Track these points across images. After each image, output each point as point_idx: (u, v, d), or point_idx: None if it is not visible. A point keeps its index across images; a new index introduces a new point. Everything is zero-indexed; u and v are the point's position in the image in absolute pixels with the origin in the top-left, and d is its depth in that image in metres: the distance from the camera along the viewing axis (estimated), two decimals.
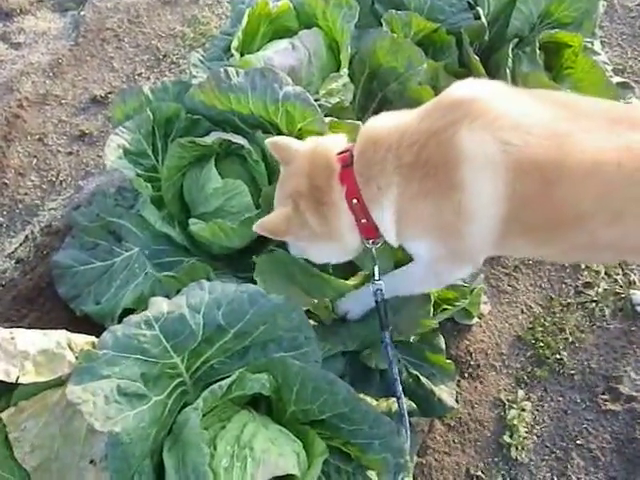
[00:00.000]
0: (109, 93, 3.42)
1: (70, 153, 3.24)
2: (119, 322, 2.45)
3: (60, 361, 1.87)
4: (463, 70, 2.83)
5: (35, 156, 3.22)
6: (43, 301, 2.68)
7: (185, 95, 2.45)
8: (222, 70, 2.33)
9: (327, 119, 2.32)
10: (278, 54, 2.57)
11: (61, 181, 3.15)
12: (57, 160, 3.21)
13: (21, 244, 2.95)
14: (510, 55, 2.71)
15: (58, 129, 3.31)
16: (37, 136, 3.27)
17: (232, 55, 2.72)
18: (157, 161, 2.50)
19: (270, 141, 2.11)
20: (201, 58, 2.68)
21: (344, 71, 2.55)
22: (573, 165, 1.76)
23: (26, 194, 3.10)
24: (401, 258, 2.26)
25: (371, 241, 2.04)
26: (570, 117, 1.83)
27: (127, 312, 2.50)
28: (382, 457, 1.97)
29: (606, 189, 1.79)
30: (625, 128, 1.81)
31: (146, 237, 2.46)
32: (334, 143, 2.03)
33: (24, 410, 1.86)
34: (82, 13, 3.69)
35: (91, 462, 1.83)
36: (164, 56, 3.57)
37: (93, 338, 2.00)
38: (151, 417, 1.83)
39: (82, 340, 1.97)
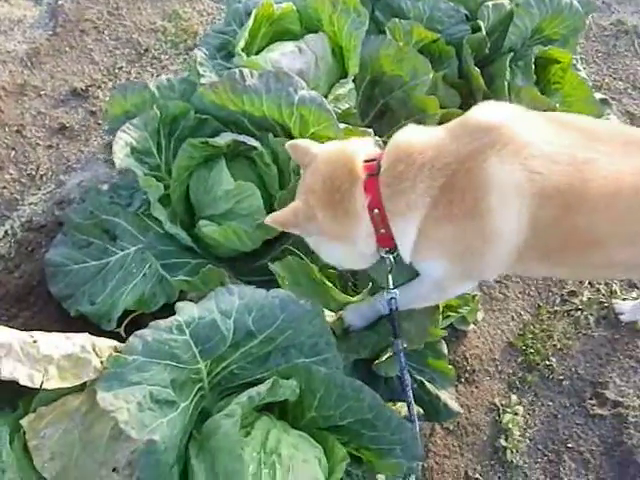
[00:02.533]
0: (89, 86, 3.31)
1: (50, 146, 3.12)
2: (118, 324, 2.46)
3: (85, 366, 1.80)
4: (462, 81, 2.88)
5: (13, 148, 3.09)
6: (34, 300, 2.58)
7: (194, 94, 2.41)
8: (237, 71, 2.29)
9: (342, 126, 2.32)
10: (285, 57, 2.55)
11: (41, 175, 3.03)
12: (36, 153, 3.09)
13: (0, 239, 2.82)
14: (508, 69, 2.77)
15: (37, 121, 3.18)
16: (15, 127, 3.14)
17: (232, 55, 2.70)
18: (161, 160, 2.44)
19: (291, 144, 2.10)
20: (205, 56, 2.62)
21: (351, 77, 2.55)
22: (594, 191, 1.82)
23: (4, 188, 2.97)
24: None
25: (386, 250, 2.06)
26: (587, 142, 1.89)
27: (126, 313, 2.46)
28: (398, 462, 2.00)
29: (624, 213, 1.86)
30: (638, 150, 1.89)
31: (151, 237, 2.40)
32: (361, 148, 2.02)
33: (44, 417, 1.80)
34: (59, 2, 3.54)
35: (114, 470, 1.78)
36: (145, 50, 3.48)
37: (116, 343, 1.93)
38: (180, 424, 1.80)
39: (106, 344, 1.91)
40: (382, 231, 1.96)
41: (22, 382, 1.67)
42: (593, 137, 1.91)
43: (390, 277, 2.14)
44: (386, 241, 2.00)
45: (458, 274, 2.04)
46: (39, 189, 2.99)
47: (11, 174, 3.01)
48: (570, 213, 1.84)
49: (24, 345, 1.76)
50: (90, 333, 2.44)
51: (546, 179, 1.80)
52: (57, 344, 1.81)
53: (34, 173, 3.04)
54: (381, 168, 1.93)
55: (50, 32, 3.46)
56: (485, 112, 1.95)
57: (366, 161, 1.97)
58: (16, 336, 1.79)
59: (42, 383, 1.71)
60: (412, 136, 1.96)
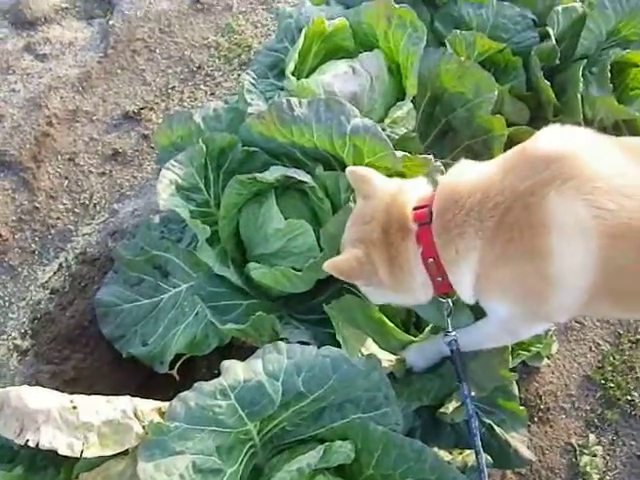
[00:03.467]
0: (142, 108, 3.24)
1: (103, 174, 3.07)
2: (170, 367, 2.38)
3: (126, 432, 1.72)
4: (530, 94, 2.68)
5: (66, 177, 3.05)
6: (86, 341, 2.53)
7: (241, 125, 2.29)
8: (285, 101, 2.16)
9: (399, 154, 2.16)
10: (338, 79, 2.40)
11: (94, 204, 2.99)
12: (89, 181, 3.04)
13: (55, 272, 2.80)
14: (581, 78, 2.55)
15: (89, 148, 3.13)
16: (68, 156, 3.10)
17: (283, 76, 2.56)
18: (209, 195, 2.33)
19: (351, 170, 2.00)
20: (253, 82, 2.50)
21: (409, 98, 2.38)
22: None
23: (58, 218, 2.94)
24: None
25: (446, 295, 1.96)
26: None
27: (178, 356, 2.38)
28: None
29: None
30: None
31: (200, 278, 2.30)
32: (413, 193, 1.90)
33: None
34: (110, 22, 3.48)
35: None
36: (198, 67, 3.38)
37: (160, 403, 1.85)
38: None
39: (149, 407, 1.82)
40: (439, 279, 1.85)
41: (61, 452, 1.62)
42: None
43: (449, 320, 2.02)
44: (444, 288, 1.89)
45: (524, 315, 1.89)
46: (93, 219, 2.94)
47: (65, 204, 2.98)
48: None
49: (63, 411, 1.70)
50: (142, 375, 2.43)
51: (616, 216, 1.61)
52: (97, 409, 1.74)
53: (87, 202, 2.99)
54: (432, 215, 1.81)
55: (101, 54, 3.40)
56: (548, 140, 1.77)
57: (416, 208, 1.85)
58: (56, 400, 1.73)
59: (82, 452, 1.64)
60: (460, 177, 1.83)
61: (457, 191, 1.78)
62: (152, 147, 3.13)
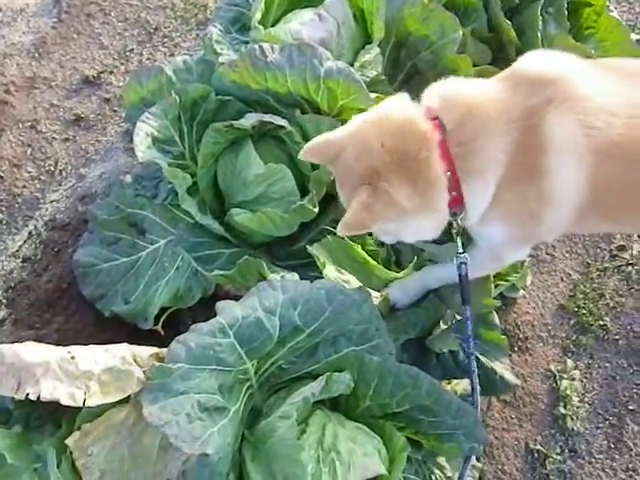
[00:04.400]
0: (101, 72, 3.19)
1: (67, 139, 3.02)
2: (155, 322, 2.38)
3: (128, 379, 1.73)
4: (492, 35, 2.72)
5: (29, 145, 2.99)
6: (66, 303, 2.50)
7: (213, 75, 2.28)
8: (257, 47, 2.16)
9: (372, 95, 2.18)
10: (305, 26, 2.40)
11: (60, 170, 2.94)
12: (53, 148, 2.99)
13: (25, 241, 2.75)
14: (540, 17, 2.61)
15: (51, 114, 3.07)
16: (29, 123, 3.04)
17: (247, 27, 2.56)
18: (184, 147, 2.33)
19: (306, 149, 1.82)
20: (220, 33, 2.49)
21: (376, 42, 2.41)
22: None
23: (24, 187, 2.89)
24: None
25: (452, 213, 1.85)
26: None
27: (163, 309, 2.38)
28: (459, 445, 1.92)
29: None
30: None
31: (181, 229, 2.30)
32: (407, 107, 1.80)
33: (89, 433, 1.73)
34: None
35: None
36: (155, 29, 3.34)
37: (157, 350, 1.86)
38: (232, 430, 1.73)
39: (147, 353, 1.83)
40: (453, 193, 1.76)
41: (64, 402, 1.61)
42: None
43: (459, 240, 1.93)
44: (456, 204, 1.79)
45: (516, 238, 1.92)
46: (60, 185, 2.90)
47: (29, 172, 2.92)
48: (632, 168, 1.74)
49: (62, 362, 1.69)
50: (127, 332, 2.42)
51: (604, 134, 1.69)
52: (96, 358, 1.74)
53: (53, 169, 2.95)
54: (446, 126, 1.74)
55: (55, 19, 3.32)
56: (539, 63, 1.82)
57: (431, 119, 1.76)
58: (53, 353, 1.72)
59: (84, 401, 1.64)
60: (467, 87, 1.81)
61: (472, 101, 1.75)
62: (115, 110, 3.09)
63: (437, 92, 1.82)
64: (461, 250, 1.94)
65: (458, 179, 1.74)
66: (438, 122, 1.74)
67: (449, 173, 1.72)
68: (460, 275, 1.96)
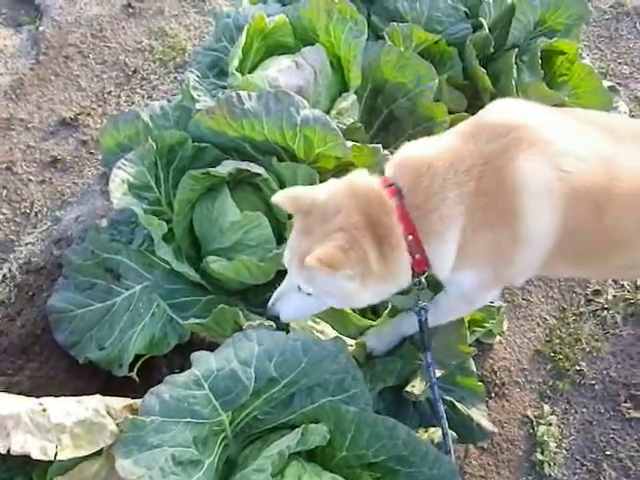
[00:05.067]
0: (79, 114, 3.19)
1: (43, 181, 3.01)
2: (130, 369, 2.35)
3: (100, 431, 1.69)
4: (467, 82, 2.76)
5: (4, 187, 2.98)
6: (39, 349, 2.46)
7: (190, 122, 2.29)
8: (234, 94, 2.18)
9: (349, 144, 2.20)
10: (282, 73, 2.42)
11: (36, 212, 2.93)
12: (29, 190, 2.98)
13: None
14: (514, 65, 2.65)
15: (27, 156, 3.06)
16: (5, 165, 3.03)
17: (225, 73, 2.58)
18: (160, 193, 2.32)
19: (280, 195, 1.82)
20: (197, 79, 2.50)
21: (353, 89, 2.43)
22: (622, 190, 1.75)
23: None
24: None
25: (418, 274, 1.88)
26: (611, 139, 1.82)
27: (138, 356, 2.35)
28: None
29: None
30: None
31: (156, 276, 2.28)
32: (369, 179, 1.82)
33: None
34: (40, 28, 3.42)
35: None
36: (134, 72, 3.36)
37: (131, 401, 1.83)
38: None
39: (120, 404, 1.80)
40: (417, 256, 1.78)
41: (34, 456, 1.57)
42: (615, 134, 1.84)
43: (419, 295, 1.95)
44: (420, 265, 1.81)
45: (488, 283, 1.93)
46: (35, 227, 2.88)
47: (4, 214, 2.90)
48: (600, 213, 1.77)
49: (33, 415, 1.66)
50: (100, 379, 2.39)
51: (576, 179, 1.72)
52: (68, 410, 1.71)
53: (28, 211, 2.93)
54: (402, 190, 1.76)
55: (33, 61, 3.33)
56: (501, 111, 1.85)
57: (386, 187, 1.78)
58: (24, 404, 1.69)
59: (56, 454, 1.61)
60: (418, 149, 1.83)
61: (422, 162, 1.76)
62: (92, 153, 3.09)
63: (393, 159, 1.86)
64: (421, 303, 1.96)
65: (420, 242, 1.76)
66: (394, 188, 1.75)
67: (410, 237, 1.74)
68: (420, 321, 1.98)
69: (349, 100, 2.43)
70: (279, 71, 2.44)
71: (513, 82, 2.67)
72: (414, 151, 1.84)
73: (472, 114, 2.46)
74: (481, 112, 1.89)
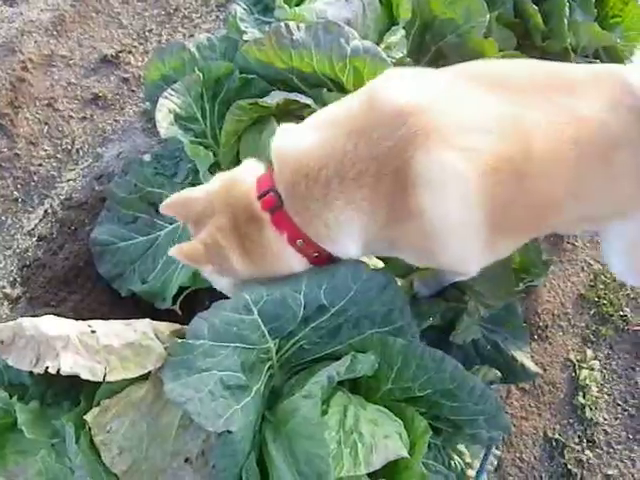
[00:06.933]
0: (120, 52, 3.16)
1: (84, 118, 2.99)
2: (173, 302, 2.36)
3: (148, 354, 1.69)
4: (517, 21, 2.68)
5: (46, 123, 2.96)
6: (82, 282, 2.48)
7: (237, 53, 2.26)
8: (283, 25, 2.13)
9: None
10: (331, 6, 2.37)
11: (77, 149, 2.91)
12: (70, 126, 2.96)
13: (41, 220, 2.73)
14: (566, 4, 2.57)
15: (68, 93, 3.04)
16: (46, 101, 3.01)
17: (270, 9, 2.53)
18: (206, 126, 2.30)
19: (166, 204, 1.77)
20: (244, 10, 2.46)
21: (402, 23, 2.37)
22: (539, 152, 1.60)
23: (40, 165, 2.86)
24: None
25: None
26: (510, 96, 1.64)
27: (181, 289, 2.36)
28: (480, 432, 1.90)
29: (570, 167, 1.66)
30: (561, 94, 1.66)
31: None
32: (249, 179, 1.73)
33: (108, 410, 1.70)
34: None
35: (186, 461, 1.69)
36: (175, 10, 3.31)
37: (179, 326, 1.83)
38: (254, 408, 1.71)
39: (168, 329, 1.80)
40: (315, 255, 1.72)
41: (83, 376, 1.58)
42: (513, 88, 1.66)
43: None
44: (323, 260, 1.75)
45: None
46: (76, 164, 2.87)
47: (46, 150, 2.90)
48: (520, 178, 1.61)
49: (82, 336, 1.66)
50: (143, 312, 2.38)
51: (486, 152, 1.56)
52: (117, 332, 1.71)
53: (70, 147, 2.92)
54: (281, 196, 1.65)
55: None
56: (392, 91, 1.63)
57: (261, 196, 1.67)
58: (73, 327, 1.69)
59: (105, 376, 1.61)
60: (298, 147, 1.65)
61: (302, 164, 1.62)
62: (133, 90, 3.06)
63: (274, 150, 1.71)
64: None
65: (313, 243, 1.69)
66: (272, 195, 1.66)
67: (300, 241, 1.68)
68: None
69: (398, 34, 2.37)
70: (327, 3, 2.38)
71: (565, 21, 2.59)
72: (292, 145, 1.68)
73: (522, 53, 2.44)
74: (372, 90, 1.68)
